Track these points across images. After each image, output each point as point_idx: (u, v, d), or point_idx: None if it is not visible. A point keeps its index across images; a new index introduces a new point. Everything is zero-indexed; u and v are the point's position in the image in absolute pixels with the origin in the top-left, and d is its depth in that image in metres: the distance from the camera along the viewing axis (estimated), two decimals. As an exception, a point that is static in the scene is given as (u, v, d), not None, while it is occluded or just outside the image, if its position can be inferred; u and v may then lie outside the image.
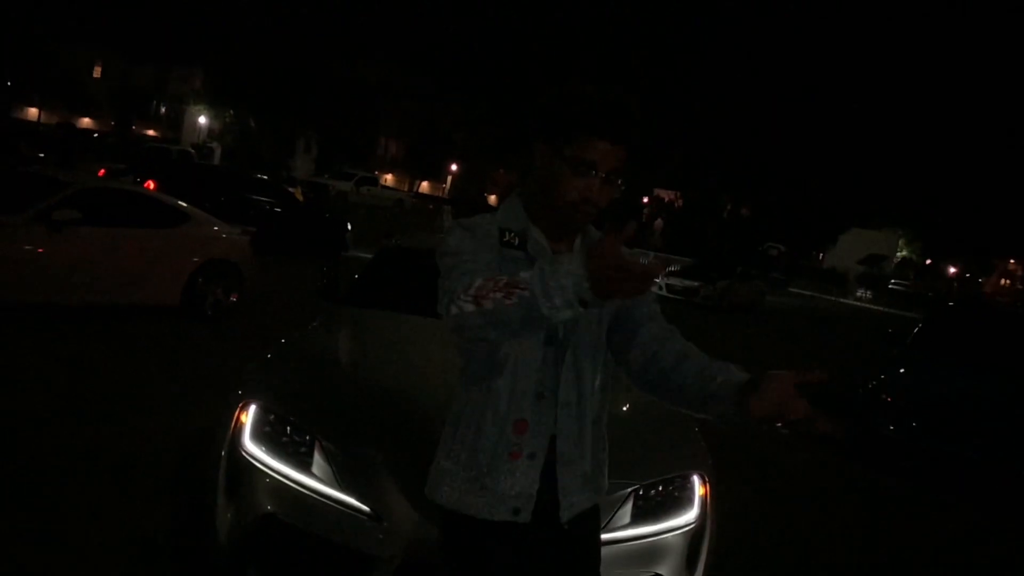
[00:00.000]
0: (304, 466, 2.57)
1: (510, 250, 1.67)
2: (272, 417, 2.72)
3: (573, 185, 1.62)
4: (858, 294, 43.10)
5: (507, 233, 1.68)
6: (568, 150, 1.61)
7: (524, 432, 1.67)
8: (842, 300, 37.88)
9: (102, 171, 15.71)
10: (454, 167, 60.75)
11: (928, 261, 79.59)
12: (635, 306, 1.83)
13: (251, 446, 2.66)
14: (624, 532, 2.61)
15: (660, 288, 21.48)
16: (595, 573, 1.83)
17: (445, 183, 64.54)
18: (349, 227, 15.78)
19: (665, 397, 1.77)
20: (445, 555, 1.76)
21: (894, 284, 52.65)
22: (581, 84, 1.66)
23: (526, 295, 1.34)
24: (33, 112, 52.05)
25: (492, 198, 49.18)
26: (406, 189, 55.87)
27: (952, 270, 79.62)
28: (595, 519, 1.86)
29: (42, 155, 19.70)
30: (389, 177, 60.27)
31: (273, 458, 2.61)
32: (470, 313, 1.42)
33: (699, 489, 2.83)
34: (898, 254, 73.37)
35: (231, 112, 48.12)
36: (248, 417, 2.73)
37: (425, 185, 62.29)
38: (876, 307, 36.25)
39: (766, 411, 1.51)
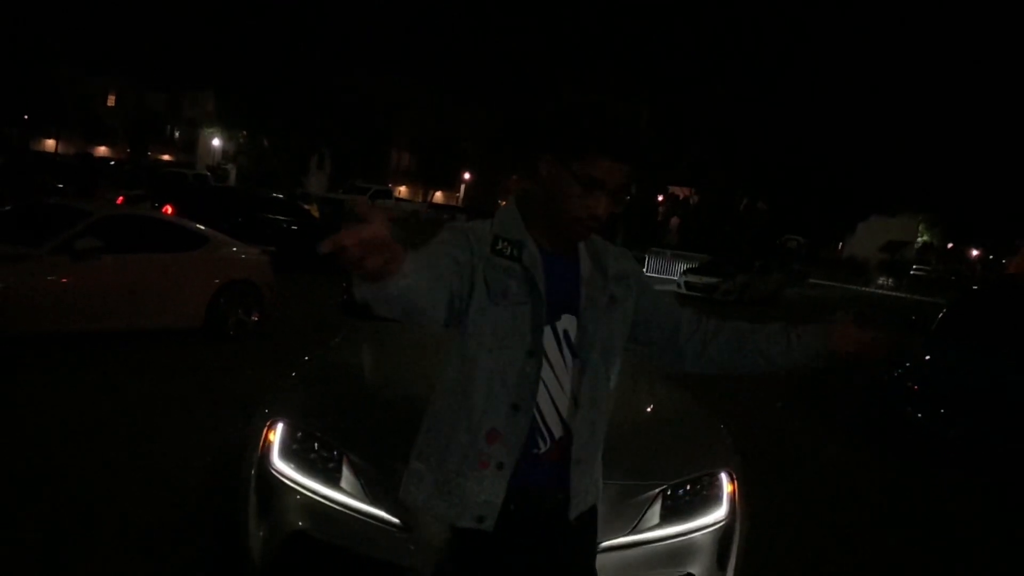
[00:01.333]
0: (333, 481, 2.60)
1: (500, 259, 1.66)
2: (299, 434, 2.75)
3: (582, 202, 1.63)
4: (879, 282, 42.65)
5: (500, 241, 1.68)
6: (578, 167, 1.60)
7: (495, 442, 1.67)
8: (863, 289, 37.52)
9: (120, 198, 15.92)
10: (467, 176, 60.92)
11: (950, 245, 78.52)
12: (654, 305, 1.89)
13: (280, 464, 2.69)
14: (653, 533, 2.61)
15: (679, 287, 21.41)
16: (592, 569, 1.87)
17: (459, 192, 64.71)
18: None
19: (730, 369, 1.89)
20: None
21: (916, 270, 52.10)
22: (589, 96, 1.64)
23: None
24: (50, 143, 52.86)
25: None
26: (420, 200, 56.08)
27: (975, 252, 78.46)
28: (594, 518, 1.89)
29: (61, 185, 19.97)
30: (403, 189, 60.51)
31: (302, 475, 2.64)
32: None
33: (727, 487, 2.83)
34: (919, 239, 72.49)
35: (244, 133, 48.61)
36: (276, 435, 2.76)
37: (439, 195, 62.47)
38: (898, 294, 35.87)
39: (852, 348, 1.78)
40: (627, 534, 2.57)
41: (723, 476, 2.85)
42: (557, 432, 1.72)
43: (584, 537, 1.85)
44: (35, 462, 4.18)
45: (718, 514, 2.75)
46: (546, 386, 1.71)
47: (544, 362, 1.71)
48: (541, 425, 1.71)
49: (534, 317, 1.67)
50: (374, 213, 1.24)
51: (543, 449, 1.71)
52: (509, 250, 1.67)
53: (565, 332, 1.73)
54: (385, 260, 1.25)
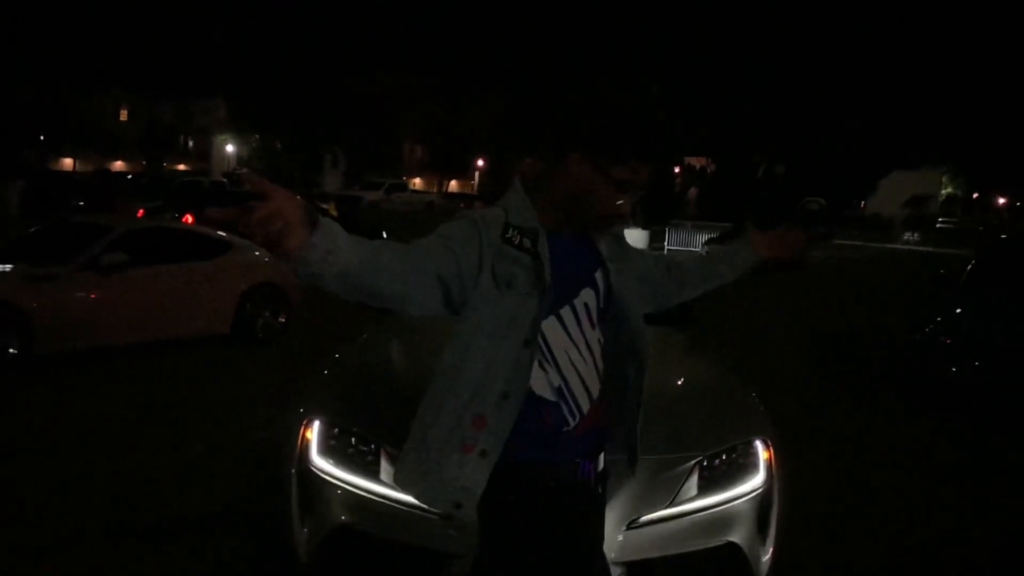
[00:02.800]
0: (372, 474, 2.64)
1: (509, 247, 1.68)
2: (336, 430, 2.79)
3: (612, 201, 1.71)
4: (905, 237, 42.05)
5: (511, 230, 1.69)
6: (617, 171, 1.68)
7: (482, 428, 1.67)
8: (889, 246, 37.04)
9: (141, 211, 16.09)
10: (480, 162, 60.84)
11: (975, 195, 77.01)
12: (645, 264, 2.05)
13: (319, 461, 2.73)
14: (692, 504, 2.63)
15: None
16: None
17: (473, 179, 64.65)
18: (385, 235, 15.95)
19: (693, 296, 2.16)
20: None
21: (942, 223, 51.29)
22: (620, 96, 1.69)
23: None
24: (67, 162, 53.55)
25: (521, 188, 48.54)
26: (435, 190, 56.10)
27: (1001, 200, 76.90)
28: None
29: (81, 203, 20.20)
30: (417, 181, 60.56)
31: (342, 470, 2.68)
32: None
33: (763, 454, 2.83)
34: (942, 192, 71.22)
35: (256, 137, 48.91)
36: (313, 433, 2.80)
37: (454, 184, 62.46)
38: (925, 248, 35.39)
39: (770, 249, 2.13)
40: (666, 507, 2.59)
41: (758, 444, 2.85)
42: (585, 407, 1.75)
43: (604, 500, 1.93)
44: (80, 465, 4.31)
45: (755, 482, 2.75)
46: (573, 364, 1.74)
47: (568, 341, 1.74)
48: (571, 402, 1.73)
49: (537, 308, 1.68)
50: (272, 189, 1.28)
51: (572, 425, 1.74)
52: (519, 239, 1.68)
53: (586, 306, 1.77)
54: (277, 234, 1.28)
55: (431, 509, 1.83)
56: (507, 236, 1.68)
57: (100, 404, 5.60)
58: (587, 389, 1.76)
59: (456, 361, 1.69)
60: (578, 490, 1.77)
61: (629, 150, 1.66)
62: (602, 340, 1.81)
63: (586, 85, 1.74)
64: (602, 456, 1.84)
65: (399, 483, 1.78)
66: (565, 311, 1.74)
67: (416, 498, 1.75)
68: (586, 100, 1.71)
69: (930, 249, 33.56)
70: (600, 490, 1.85)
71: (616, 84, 1.72)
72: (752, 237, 2.14)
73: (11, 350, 6.22)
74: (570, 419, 1.73)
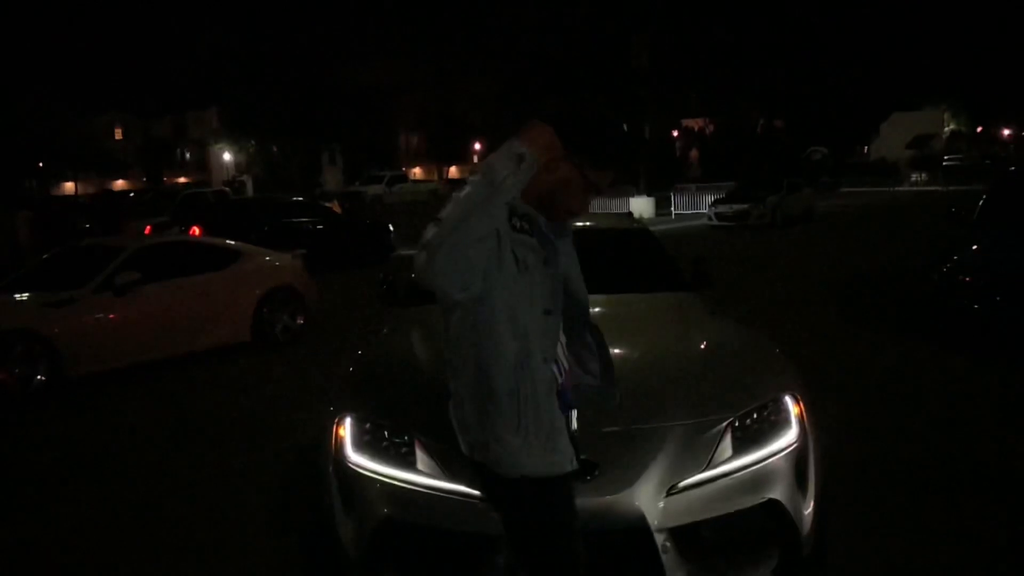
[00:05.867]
0: (409, 465, 2.66)
1: (515, 233, 1.85)
2: (368, 425, 2.82)
3: (582, 199, 1.96)
4: (912, 179, 41.57)
5: (513, 218, 1.85)
6: (593, 176, 1.91)
7: (555, 386, 1.93)
8: (897, 189, 36.67)
9: (148, 228, 16.15)
10: (478, 146, 60.65)
11: (979, 129, 75.85)
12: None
13: (355, 457, 2.76)
14: (729, 465, 2.63)
15: (710, 219, 21.15)
16: None
17: (472, 164, 64.43)
18: (391, 228, 15.98)
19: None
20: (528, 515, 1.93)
21: (948, 160, 50.63)
22: (608, 114, 2.02)
23: (475, 179, 1.70)
24: (69, 187, 53.77)
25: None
26: (436, 178, 56.00)
27: (1007, 132, 75.68)
28: None
29: (88, 226, 20.26)
30: (417, 170, 60.47)
31: (379, 464, 2.70)
32: (431, 236, 1.66)
33: (793, 408, 2.83)
34: (946, 129, 70.21)
35: (253, 143, 48.84)
36: (346, 430, 2.83)
37: (454, 170, 62.30)
38: (934, 188, 35.02)
39: None
40: (703, 471, 2.60)
41: (787, 399, 2.85)
42: (566, 364, 2.04)
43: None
44: (123, 482, 4.38)
45: (789, 437, 2.76)
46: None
47: None
48: (558, 362, 1.98)
49: (549, 280, 1.91)
50: None
51: (560, 381, 1.98)
52: (519, 224, 1.87)
53: (553, 300, 2.00)
54: None
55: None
56: (512, 222, 1.84)
57: (135, 422, 5.67)
58: (564, 349, 2.04)
59: (518, 348, 1.83)
60: (572, 436, 2.01)
61: (609, 160, 1.92)
62: (577, 303, 2.08)
63: (580, 100, 1.92)
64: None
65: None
66: None
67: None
68: (581, 113, 1.94)
69: (939, 188, 33.21)
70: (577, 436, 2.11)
71: (606, 102, 1.91)
72: None
73: (39, 377, 6.30)
74: (558, 376, 1.97)
